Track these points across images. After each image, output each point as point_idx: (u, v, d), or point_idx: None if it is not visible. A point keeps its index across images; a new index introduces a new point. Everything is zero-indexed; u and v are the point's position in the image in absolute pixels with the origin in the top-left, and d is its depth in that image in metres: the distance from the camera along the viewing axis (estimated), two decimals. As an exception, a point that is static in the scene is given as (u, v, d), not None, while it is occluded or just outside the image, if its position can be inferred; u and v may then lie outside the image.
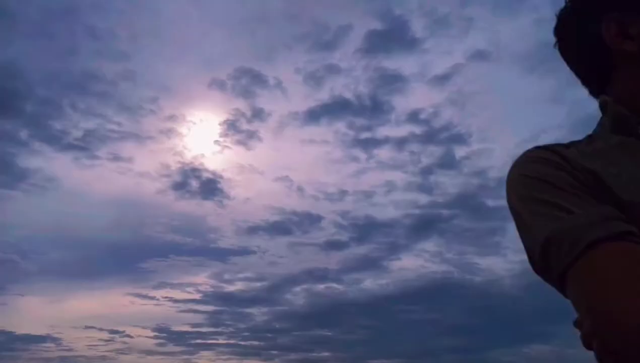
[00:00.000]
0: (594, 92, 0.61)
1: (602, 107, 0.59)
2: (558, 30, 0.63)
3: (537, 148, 0.55)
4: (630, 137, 0.53)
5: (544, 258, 0.47)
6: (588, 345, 0.45)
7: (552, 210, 0.48)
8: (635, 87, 0.56)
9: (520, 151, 0.57)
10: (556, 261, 0.46)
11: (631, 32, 0.56)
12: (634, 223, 0.46)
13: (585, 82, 0.62)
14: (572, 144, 0.56)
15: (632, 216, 0.46)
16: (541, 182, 0.50)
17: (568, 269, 0.45)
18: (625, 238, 0.44)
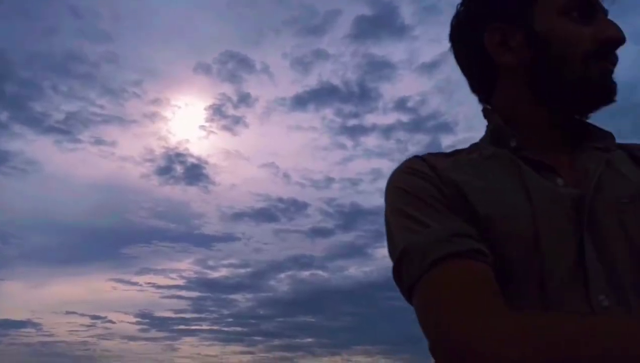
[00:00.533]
0: (482, 100, 0.61)
1: (485, 116, 0.59)
2: (451, 36, 0.62)
3: (415, 157, 0.55)
4: (504, 149, 0.53)
5: (398, 271, 0.48)
6: (434, 357, 0.47)
7: (412, 224, 0.48)
8: (513, 100, 0.56)
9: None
10: (406, 275, 0.46)
11: (511, 44, 0.55)
12: (490, 238, 0.46)
13: (474, 90, 0.62)
14: (457, 153, 0.57)
15: (488, 231, 0.46)
16: (407, 194, 0.51)
17: (415, 284, 0.45)
18: (470, 256, 0.44)
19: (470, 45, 0.59)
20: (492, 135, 0.57)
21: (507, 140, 0.54)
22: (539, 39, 0.53)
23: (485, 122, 0.60)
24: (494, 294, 0.42)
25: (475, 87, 0.61)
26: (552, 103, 0.54)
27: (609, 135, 0.55)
